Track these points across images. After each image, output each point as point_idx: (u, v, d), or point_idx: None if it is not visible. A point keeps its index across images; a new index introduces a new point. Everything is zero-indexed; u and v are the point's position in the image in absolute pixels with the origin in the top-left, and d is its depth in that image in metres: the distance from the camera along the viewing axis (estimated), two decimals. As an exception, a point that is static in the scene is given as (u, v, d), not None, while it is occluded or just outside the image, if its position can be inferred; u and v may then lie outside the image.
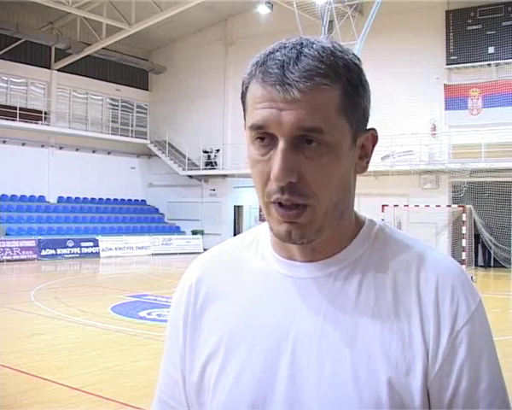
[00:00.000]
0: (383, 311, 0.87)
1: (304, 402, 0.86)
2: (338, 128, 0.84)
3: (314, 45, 0.84)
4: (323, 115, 0.82)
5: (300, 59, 0.82)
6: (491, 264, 20.15)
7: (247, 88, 0.87)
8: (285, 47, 0.85)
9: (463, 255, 16.56)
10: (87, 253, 22.33)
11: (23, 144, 24.54)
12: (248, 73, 0.87)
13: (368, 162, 0.92)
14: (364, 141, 0.90)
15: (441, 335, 0.85)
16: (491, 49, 20.34)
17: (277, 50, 0.85)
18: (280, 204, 0.85)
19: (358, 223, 0.95)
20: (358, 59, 0.89)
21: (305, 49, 0.83)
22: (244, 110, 0.89)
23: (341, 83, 0.84)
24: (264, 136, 0.85)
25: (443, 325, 0.85)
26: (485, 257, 20.75)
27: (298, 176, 0.83)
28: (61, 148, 25.90)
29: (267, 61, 0.84)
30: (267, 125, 0.83)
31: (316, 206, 0.85)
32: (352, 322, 0.87)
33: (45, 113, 25.48)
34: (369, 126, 0.92)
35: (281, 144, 0.83)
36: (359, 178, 0.94)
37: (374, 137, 0.92)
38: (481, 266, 20.09)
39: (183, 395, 1.00)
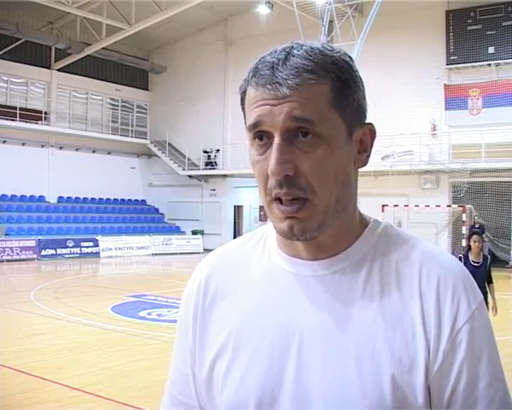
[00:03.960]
0: (388, 308, 0.89)
1: (310, 398, 0.88)
2: (330, 121, 0.87)
3: (303, 47, 0.88)
4: (314, 108, 0.85)
5: (289, 59, 0.86)
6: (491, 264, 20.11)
7: (244, 93, 0.91)
8: (275, 51, 0.89)
9: (463, 255, 16.54)
10: (87, 253, 22.32)
11: (23, 144, 24.53)
12: (244, 80, 0.91)
13: (368, 157, 0.94)
14: (362, 136, 0.92)
15: (442, 333, 0.87)
16: (491, 49, 20.33)
17: (268, 55, 0.89)
18: (280, 201, 0.87)
19: (363, 222, 0.97)
20: (349, 57, 0.91)
21: (294, 51, 0.87)
22: (244, 115, 0.92)
23: (330, 78, 0.87)
24: (261, 134, 0.87)
25: (444, 324, 0.87)
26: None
27: (294, 169, 0.85)
28: (61, 148, 25.89)
29: (258, 66, 0.88)
30: (261, 121, 0.86)
31: (315, 201, 0.87)
32: (357, 319, 0.89)
33: (45, 113, 25.47)
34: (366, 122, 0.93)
35: (276, 139, 0.86)
36: (359, 178, 0.95)
37: (371, 131, 0.93)
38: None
39: (194, 391, 1.02)
